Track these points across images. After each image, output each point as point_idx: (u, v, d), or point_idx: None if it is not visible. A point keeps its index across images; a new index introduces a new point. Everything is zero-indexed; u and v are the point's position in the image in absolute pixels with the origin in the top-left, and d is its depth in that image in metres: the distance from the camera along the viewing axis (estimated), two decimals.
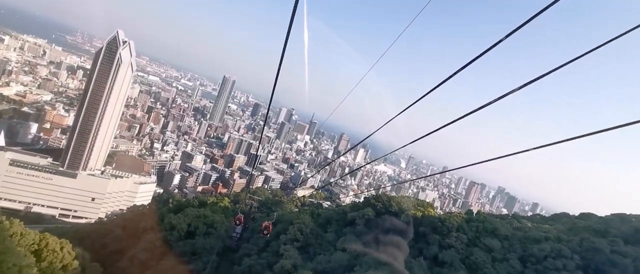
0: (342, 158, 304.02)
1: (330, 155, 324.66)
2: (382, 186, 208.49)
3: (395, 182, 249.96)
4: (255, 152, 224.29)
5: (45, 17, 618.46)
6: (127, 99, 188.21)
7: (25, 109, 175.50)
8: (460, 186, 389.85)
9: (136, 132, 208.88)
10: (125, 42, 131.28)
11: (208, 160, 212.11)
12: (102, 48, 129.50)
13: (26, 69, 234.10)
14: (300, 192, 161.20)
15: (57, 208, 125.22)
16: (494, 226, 46.95)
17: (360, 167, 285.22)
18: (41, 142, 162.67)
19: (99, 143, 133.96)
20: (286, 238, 50.36)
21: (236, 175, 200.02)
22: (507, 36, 4.21)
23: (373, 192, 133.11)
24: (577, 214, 69.70)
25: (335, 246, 49.97)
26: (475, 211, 61.31)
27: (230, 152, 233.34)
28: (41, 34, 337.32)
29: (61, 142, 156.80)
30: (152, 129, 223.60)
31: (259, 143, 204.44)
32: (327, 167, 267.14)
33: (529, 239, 44.34)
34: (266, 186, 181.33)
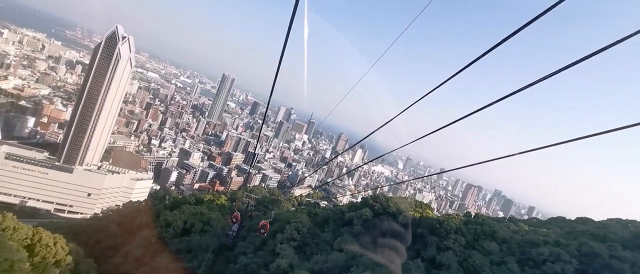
0: (339, 158, 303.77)
1: (328, 155, 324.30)
2: (379, 186, 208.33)
3: (392, 183, 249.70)
4: (253, 151, 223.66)
5: (44, 12, 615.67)
6: (126, 95, 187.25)
7: (22, 102, 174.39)
8: (457, 188, 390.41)
9: (134, 128, 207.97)
10: (125, 37, 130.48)
11: (206, 157, 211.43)
12: (101, 43, 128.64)
13: (25, 63, 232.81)
14: (298, 192, 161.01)
15: (52, 203, 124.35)
16: (493, 229, 46.67)
17: (358, 167, 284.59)
18: (38, 137, 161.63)
19: (96, 138, 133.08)
20: (283, 237, 49.94)
21: (233, 173, 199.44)
22: (505, 39, 4.14)
23: (370, 192, 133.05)
24: (573, 218, 69.76)
25: (333, 246, 49.59)
26: (472, 214, 61.14)
27: (228, 150, 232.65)
28: (40, 28, 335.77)
29: (58, 136, 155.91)
30: (150, 125, 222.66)
31: (257, 142, 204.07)
32: (325, 167, 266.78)
33: (527, 242, 44.08)
34: (263, 185, 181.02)
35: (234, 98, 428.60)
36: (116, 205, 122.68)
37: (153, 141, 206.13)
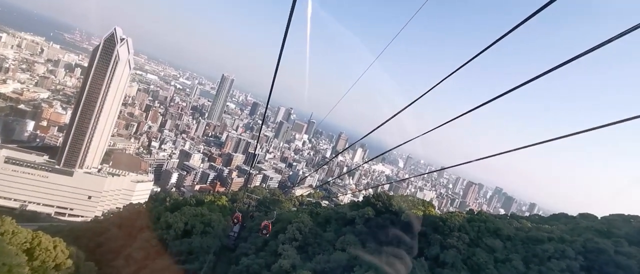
0: (340, 158, 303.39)
1: (328, 154, 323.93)
2: (379, 184, 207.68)
3: (393, 181, 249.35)
4: (253, 151, 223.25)
5: (43, 15, 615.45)
6: (125, 97, 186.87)
7: (22, 106, 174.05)
8: (457, 186, 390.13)
9: (134, 130, 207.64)
10: (123, 39, 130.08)
11: (206, 159, 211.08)
12: (99, 45, 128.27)
13: (23, 66, 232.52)
14: (298, 192, 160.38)
15: (53, 206, 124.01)
16: (496, 226, 46.20)
17: (358, 166, 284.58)
18: (38, 140, 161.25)
19: (96, 141, 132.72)
20: (285, 238, 49.47)
21: (234, 174, 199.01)
22: (504, 36, 4.18)
23: (371, 191, 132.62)
24: (575, 214, 69.28)
25: (335, 245, 49.14)
26: (475, 211, 60.69)
27: (228, 151, 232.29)
28: (39, 32, 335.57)
29: (58, 140, 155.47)
30: (150, 127, 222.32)
31: (257, 142, 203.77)
32: (325, 166, 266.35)
33: (531, 239, 43.58)
34: (264, 185, 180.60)
35: (233, 99, 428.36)
36: (117, 208, 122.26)
37: (153, 143, 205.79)
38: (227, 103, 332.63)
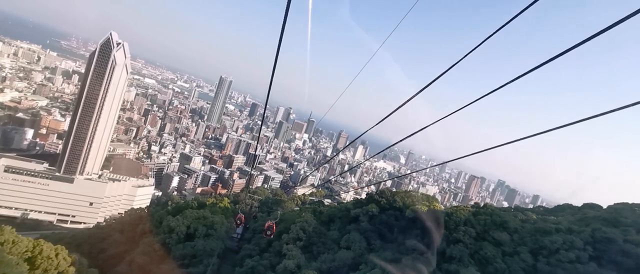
0: (341, 156, 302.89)
1: (329, 153, 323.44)
2: (381, 181, 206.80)
3: (394, 177, 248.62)
4: (254, 152, 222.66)
5: (39, 23, 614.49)
6: (124, 102, 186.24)
7: (20, 115, 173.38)
8: (460, 180, 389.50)
9: (133, 135, 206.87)
10: (119, 43, 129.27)
11: (207, 161, 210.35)
12: (95, 50, 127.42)
13: (21, 75, 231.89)
14: (301, 191, 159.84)
15: (54, 214, 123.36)
16: (502, 219, 45.63)
17: (359, 164, 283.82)
18: (37, 148, 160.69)
19: (96, 147, 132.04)
20: (288, 238, 48.97)
21: (235, 175, 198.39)
22: (503, 26, 4.19)
23: (373, 188, 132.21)
24: (579, 205, 68.61)
25: (340, 244, 48.66)
26: (479, 205, 60.11)
27: (229, 153, 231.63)
28: (35, 40, 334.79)
29: (58, 147, 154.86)
30: (149, 131, 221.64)
31: (257, 143, 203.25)
32: (327, 165, 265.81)
33: (539, 231, 43.01)
34: (266, 186, 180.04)
35: (232, 100, 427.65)
36: (118, 213, 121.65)
37: (153, 147, 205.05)
38: (226, 105, 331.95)
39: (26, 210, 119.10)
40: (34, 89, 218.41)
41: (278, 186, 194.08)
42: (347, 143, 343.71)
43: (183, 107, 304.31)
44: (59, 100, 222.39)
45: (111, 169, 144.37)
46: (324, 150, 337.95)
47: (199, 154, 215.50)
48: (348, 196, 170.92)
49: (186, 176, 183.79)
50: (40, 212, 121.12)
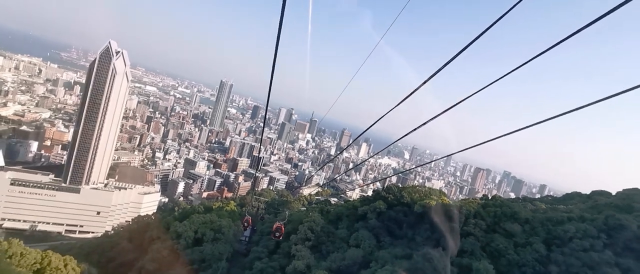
0: (345, 154, 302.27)
1: (333, 152, 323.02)
2: (385, 177, 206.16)
3: (399, 173, 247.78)
4: (258, 155, 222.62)
5: (38, 36, 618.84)
6: (126, 110, 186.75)
7: (24, 127, 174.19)
8: (465, 173, 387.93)
9: (137, 143, 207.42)
10: (118, 52, 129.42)
11: (211, 165, 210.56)
12: (95, 60, 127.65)
13: (23, 88, 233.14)
14: (306, 191, 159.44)
15: (62, 225, 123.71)
16: (513, 210, 44.97)
17: (363, 161, 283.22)
18: (42, 160, 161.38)
19: (100, 156, 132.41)
20: (297, 238, 48.58)
21: (241, 178, 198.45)
22: (502, 16, 4.07)
23: (378, 184, 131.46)
24: (588, 192, 67.62)
25: (349, 242, 48.20)
26: (488, 197, 59.42)
27: (233, 156, 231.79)
28: (36, 53, 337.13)
29: (62, 158, 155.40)
30: (152, 138, 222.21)
31: (260, 145, 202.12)
32: (331, 163, 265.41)
33: (551, 220, 42.32)
34: (272, 187, 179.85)
35: (234, 104, 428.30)
36: (126, 221, 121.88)
37: (157, 154, 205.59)
38: (228, 108, 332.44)
39: (34, 222, 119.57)
40: (36, 101, 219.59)
41: (283, 187, 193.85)
42: (351, 141, 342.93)
43: (185, 112, 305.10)
44: (62, 111, 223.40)
45: (117, 178, 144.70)
46: (327, 149, 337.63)
47: (203, 158, 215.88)
48: (354, 194, 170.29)
49: (191, 181, 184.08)
50: (48, 223, 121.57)
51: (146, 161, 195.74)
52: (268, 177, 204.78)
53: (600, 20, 3.33)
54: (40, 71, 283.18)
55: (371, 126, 8.12)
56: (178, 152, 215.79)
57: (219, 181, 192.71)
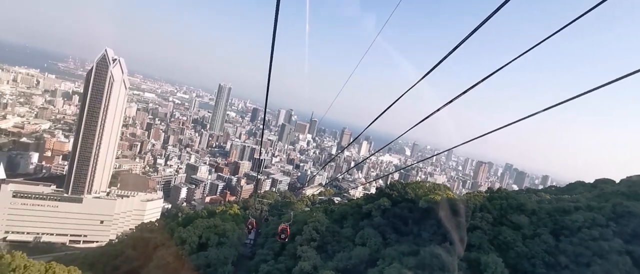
0: (346, 153, 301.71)
1: (334, 151, 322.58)
2: (387, 174, 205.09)
3: (401, 169, 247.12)
4: (259, 157, 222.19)
5: (35, 47, 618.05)
6: (125, 118, 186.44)
7: (24, 139, 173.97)
8: (467, 167, 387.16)
9: (138, 150, 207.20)
10: (115, 60, 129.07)
11: (213, 170, 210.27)
12: (92, 68, 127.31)
13: (21, 100, 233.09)
14: (309, 191, 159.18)
15: (66, 235, 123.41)
16: (519, 202, 44.54)
17: (365, 159, 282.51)
18: (44, 171, 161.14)
19: (101, 164, 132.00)
20: (302, 239, 48.19)
21: (243, 181, 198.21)
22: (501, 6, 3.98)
23: (381, 182, 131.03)
24: (591, 181, 67.13)
25: (354, 241, 47.81)
26: (492, 190, 58.95)
27: (235, 160, 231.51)
28: (33, 64, 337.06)
29: (64, 168, 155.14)
30: (153, 145, 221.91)
31: (260, 147, 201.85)
32: (333, 163, 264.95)
33: (558, 211, 41.90)
34: (274, 189, 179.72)
35: (233, 107, 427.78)
36: (130, 229, 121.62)
37: (158, 160, 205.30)
38: (227, 112, 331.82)
39: (38, 234, 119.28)
40: (35, 113, 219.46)
41: (286, 188, 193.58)
42: (351, 140, 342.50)
43: (185, 118, 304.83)
44: (62, 121, 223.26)
45: (119, 186, 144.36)
46: (328, 149, 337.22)
47: (205, 163, 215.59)
48: (357, 192, 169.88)
49: (194, 186, 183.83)
50: (52, 234, 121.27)
51: (148, 168, 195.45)
52: (270, 179, 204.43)
53: (599, 6, 3.26)
54: (38, 82, 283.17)
55: (372, 122, 8.03)
56: (179, 158, 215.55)
57: (221, 185, 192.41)
